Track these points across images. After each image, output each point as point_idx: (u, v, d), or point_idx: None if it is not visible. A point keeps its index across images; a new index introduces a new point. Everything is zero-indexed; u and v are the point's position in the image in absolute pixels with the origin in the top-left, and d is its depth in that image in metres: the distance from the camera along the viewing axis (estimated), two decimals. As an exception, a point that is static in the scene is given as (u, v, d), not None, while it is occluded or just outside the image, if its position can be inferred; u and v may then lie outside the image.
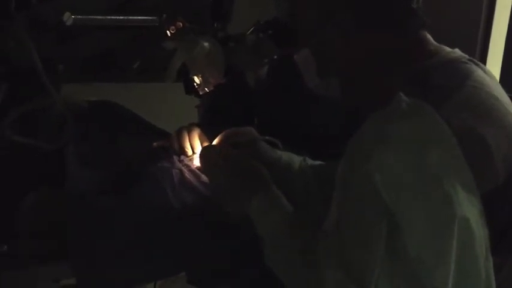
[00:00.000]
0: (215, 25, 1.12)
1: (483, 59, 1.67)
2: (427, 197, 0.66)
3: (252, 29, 1.11)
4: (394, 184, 0.66)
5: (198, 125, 1.19)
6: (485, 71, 0.86)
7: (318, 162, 1.11)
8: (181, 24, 1.04)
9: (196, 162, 1.13)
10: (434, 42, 0.90)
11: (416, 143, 0.67)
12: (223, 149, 0.99)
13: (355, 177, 0.70)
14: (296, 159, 1.09)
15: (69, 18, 0.88)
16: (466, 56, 0.88)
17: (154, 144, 1.15)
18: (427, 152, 0.67)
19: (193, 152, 1.14)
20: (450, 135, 0.68)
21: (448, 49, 0.89)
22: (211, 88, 1.13)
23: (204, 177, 1.10)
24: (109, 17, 0.94)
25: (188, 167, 1.14)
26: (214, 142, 1.08)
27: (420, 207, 0.66)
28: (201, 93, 1.14)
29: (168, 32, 1.04)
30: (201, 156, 1.02)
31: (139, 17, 1.00)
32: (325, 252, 0.72)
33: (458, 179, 0.68)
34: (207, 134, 1.14)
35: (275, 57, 1.13)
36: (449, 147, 0.68)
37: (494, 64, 1.70)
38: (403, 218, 0.65)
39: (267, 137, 1.10)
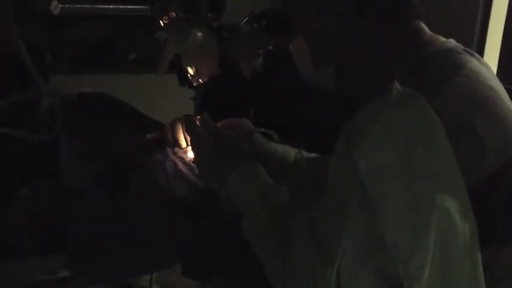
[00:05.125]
0: (209, 15, 1.10)
1: (480, 50, 1.66)
2: (408, 188, 0.66)
3: (246, 19, 1.10)
4: (377, 173, 0.66)
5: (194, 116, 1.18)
6: (480, 61, 0.85)
7: (313, 155, 1.10)
8: (174, 14, 1.03)
9: (190, 154, 1.12)
10: (429, 32, 0.89)
11: (404, 134, 0.67)
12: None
13: (342, 163, 0.70)
14: (291, 152, 1.09)
15: (56, 6, 0.86)
16: (461, 46, 0.87)
17: (148, 136, 1.14)
18: (414, 144, 0.67)
19: (188, 144, 1.13)
20: (440, 127, 0.68)
21: (442, 39, 0.88)
22: (205, 79, 1.12)
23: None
24: (98, 6, 0.92)
25: (182, 159, 1.13)
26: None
27: (401, 197, 0.66)
28: (194, 84, 1.13)
29: (161, 21, 1.03)
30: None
31: (129, 6, 0.98)
32: (300, 223, 0.74)
33: (444, 172, 0.68)
34: None
35: (270, 47, 1.12)
36: (437, 139, 0.68)
37: (491, 55, 1.69)
38: (383, 206, 0.66)
39: (262, 129, 1.10)
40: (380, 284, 0.68)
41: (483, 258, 0.71)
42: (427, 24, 0.90)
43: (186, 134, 1.12)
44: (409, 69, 0.82)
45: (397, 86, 0.71)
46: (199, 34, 1.06)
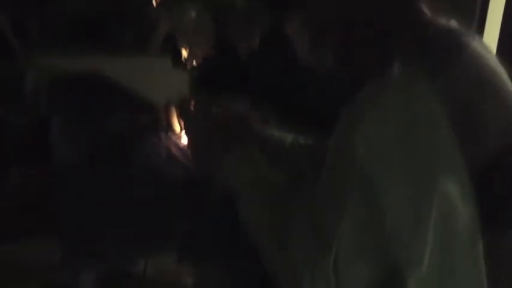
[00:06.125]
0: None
1: (480, 31, 1.65)
2: (408, 171, 0.65)
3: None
4: (376, 156, 0.65)
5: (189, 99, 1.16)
6: (481, 43, 0.84)
7: (311, 139, 1.09)
8: (168, -9, 1.00)
9: (185, 138, 1.11)
10: (430, 14, 0.87)
11: (404, 118, 0.66)
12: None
13: (341, 147, 0.69)
14: (288, 137, 1.07)
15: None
16: (463, 27, 0.85)
17: (143, 119, 1.12)
18: (414, 127, 0.66)
19: (182, 129, 1.11)
20: (441, 109, 0.66)
21: (444, 20, 0.86)
22: (200, 61, 1.10)
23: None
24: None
25: (176, 143, 1.12)
26: None
27: (401, 180, 0.65)
28: (188, 66, 1.10)
29: (154, -2, 1.00)
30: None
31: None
32: (299, 214, 0.73)
33: (444, 155, 0.67)
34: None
35: (267, 26, 1.09)
36: (438, 122, 0.67)
37: (491, 37, 1.68)
38: (382, 190, 0.65)
39: (258, 113, 1.08)
40: (379, 274, 0.67)
41: (484, 244, 0.70)
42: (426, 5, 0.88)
43: (180, 118, 1.10)
44: (410, 50, 0.80)
45: (398, 66, 0.69)
46: (193, 13, 1.03)
